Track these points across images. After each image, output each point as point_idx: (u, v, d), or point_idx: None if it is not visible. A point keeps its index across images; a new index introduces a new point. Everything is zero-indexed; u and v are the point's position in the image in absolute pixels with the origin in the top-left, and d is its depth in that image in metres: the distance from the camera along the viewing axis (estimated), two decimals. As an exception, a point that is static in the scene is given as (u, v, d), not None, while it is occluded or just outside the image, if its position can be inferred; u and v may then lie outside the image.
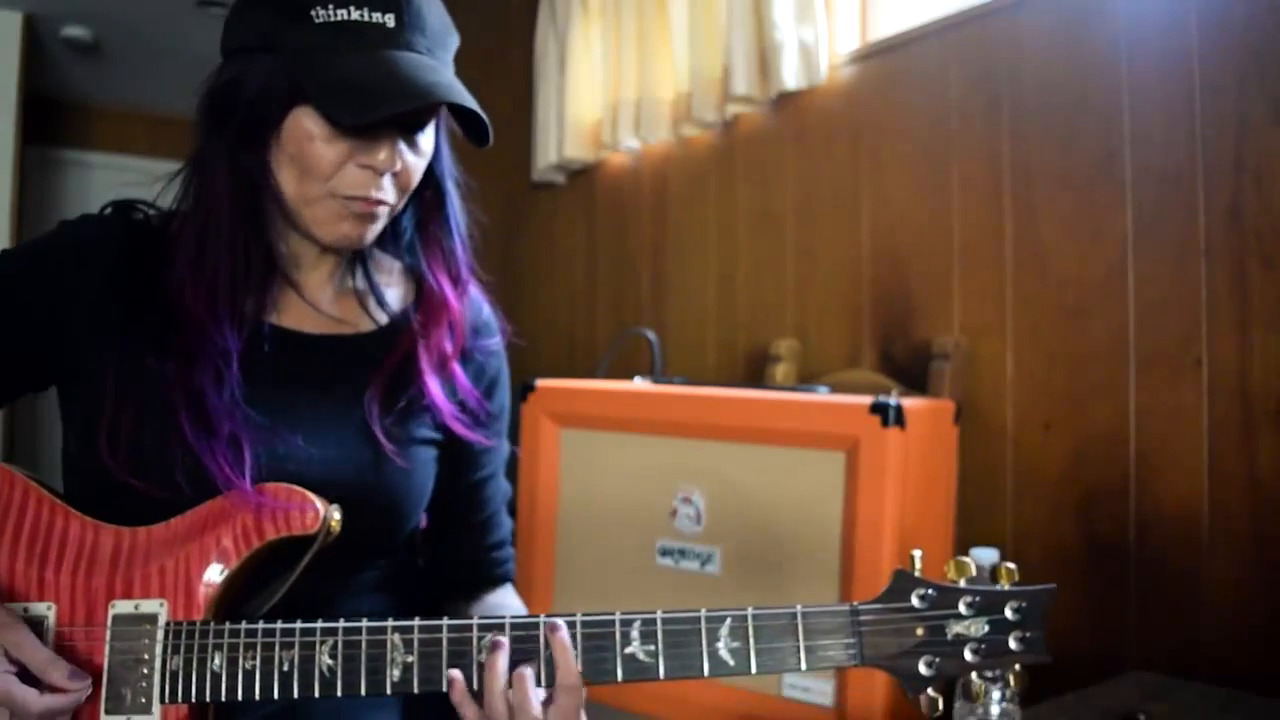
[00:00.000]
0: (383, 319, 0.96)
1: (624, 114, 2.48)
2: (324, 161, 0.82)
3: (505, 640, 0.74)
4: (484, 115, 0.83)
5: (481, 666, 0.74)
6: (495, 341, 1.03)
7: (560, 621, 0.74)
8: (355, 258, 0.98)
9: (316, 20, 0.79)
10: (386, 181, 0.85)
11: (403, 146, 0.85)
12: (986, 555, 1.33)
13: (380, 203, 0.85)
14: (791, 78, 2.03)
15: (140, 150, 4.59)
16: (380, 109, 0.78)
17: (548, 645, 0.74)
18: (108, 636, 0.76)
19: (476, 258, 1.01)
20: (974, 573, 0.75)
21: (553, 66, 2.74)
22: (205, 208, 0.86)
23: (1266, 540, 1.35)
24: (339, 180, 0.83)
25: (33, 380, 0.89)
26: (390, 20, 0.81)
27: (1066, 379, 1.62)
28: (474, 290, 1.03)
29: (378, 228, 0.88)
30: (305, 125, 0.82)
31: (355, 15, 0.80)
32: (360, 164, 0.83)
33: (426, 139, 0.88)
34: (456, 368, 0.97)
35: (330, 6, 0.79)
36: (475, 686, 0.74)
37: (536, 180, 2.89)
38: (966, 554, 1.35)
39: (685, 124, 2.34)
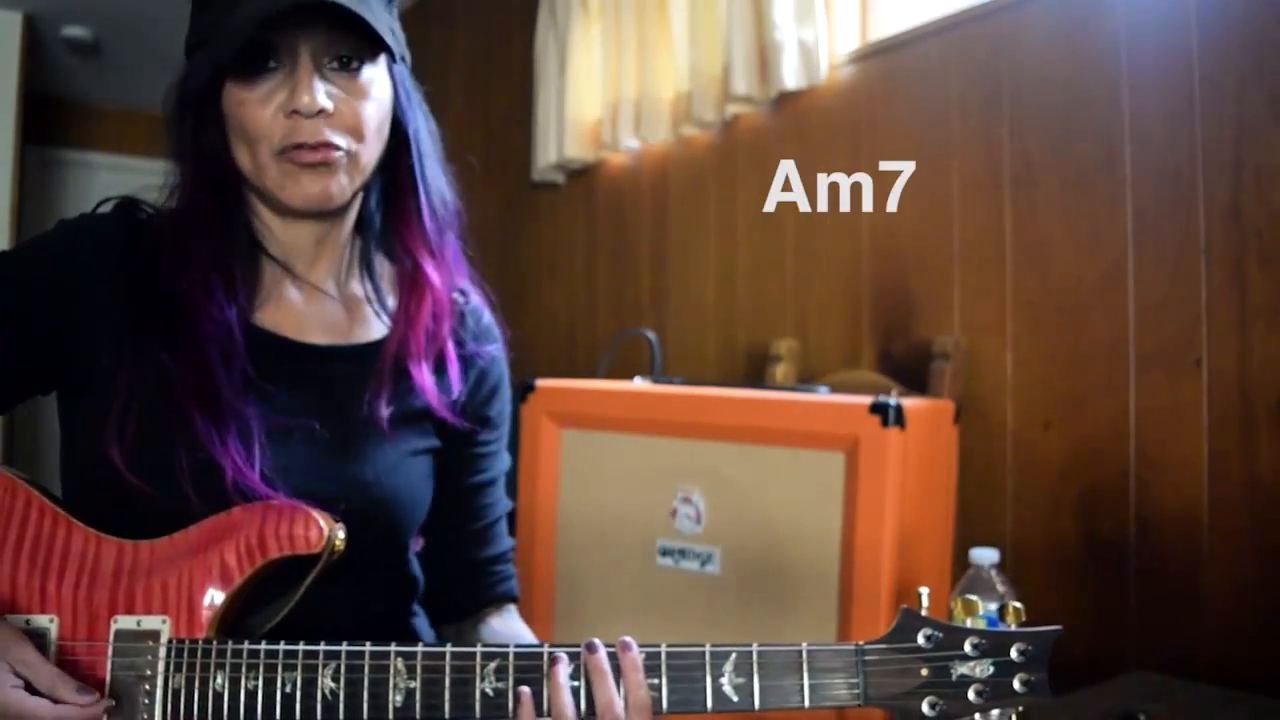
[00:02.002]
0: (387, 322, 0.95)
1: (624, 114, 2.47)
2: (256, 122, 0.83)
3: (564, 654, 0.74)
4: (365, 17, 0.81)
5: (484, 694, 0.73)
6: (497, 348, 1.02)
7: (598, 643, 0.74)
8: (359, 258, 0.96)
9: None
10: (323, 125, 0.83)
11: (335, 89, 0.84)
12: (986, 555, 1.33)
13: (326, 146, 0.83)
14: (791, 78, 2.03)
15: (140, 150, 4.59)
16: (246, 28, 0.78)
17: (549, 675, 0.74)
18: (110, 652, 0.76)
19: (469, 247, 1.01)
20: (981, 611, 0.75)
21: (553, 66, 2.74)
22: (183, 199, 0.88)
23: (1266, 540, 1.35)
24: (274, 135, 0.83)
25: (37, 384, 0.88)
26: None
27: (1066, 379, 1.61)
28: (476, 297, 1.02)
29: (342, 180, 0.86)
30: (233, 93, 0.83)
31: None
32: (286, 112, 0.83)
33: (374, 79, 0.86)
34: (450, 351, 0.96)
35: None
36: (478, 714, 0.73)
37: (536, 180, 2.89)
38: (966, 554, 1.36)
39: (685, 124, 2.34)
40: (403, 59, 0.92)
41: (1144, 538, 1.49)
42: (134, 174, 4.45)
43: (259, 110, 0.83)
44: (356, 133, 0.86)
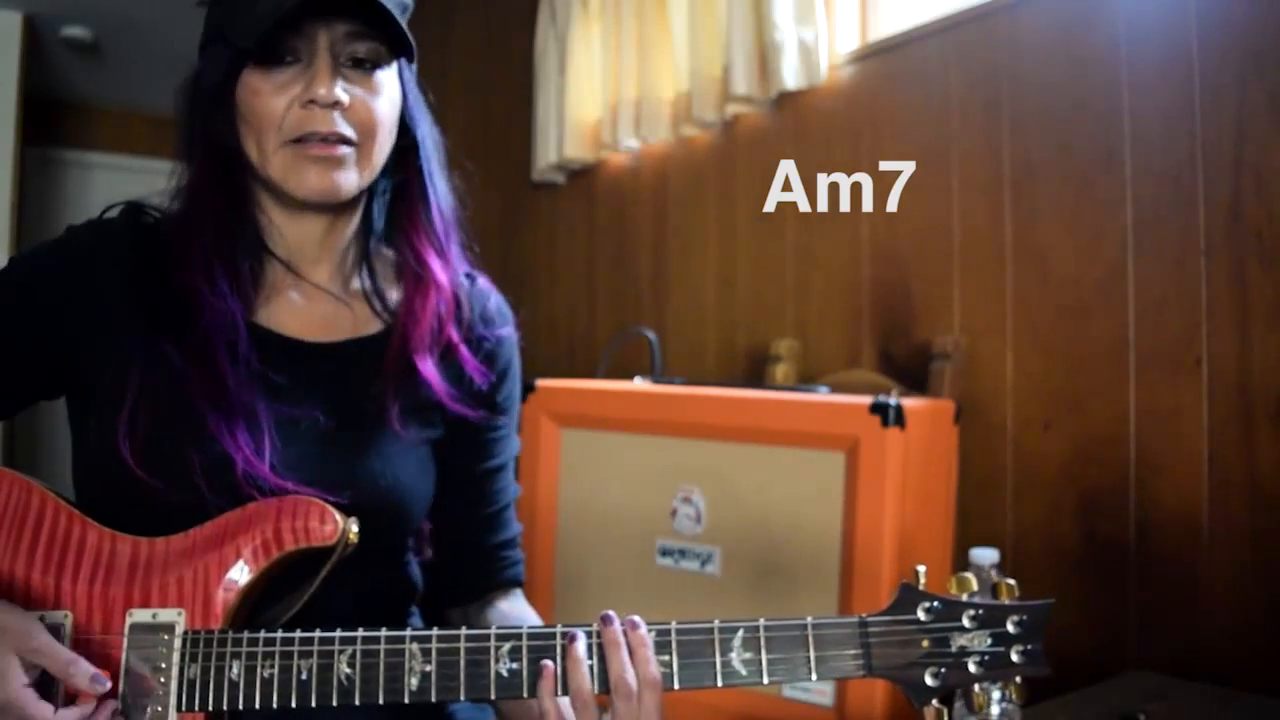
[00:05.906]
0: (388, 317, 0.96)
1: (624, 114, 2.47)
2: (270, 111, 0.84)
3: (580, 632, 0.75)
4: (388, 9, 0.84)
5: (499, 675, 0.75)
6: (507, 330, 1.03)
7: (622, 620, 0.75)
8: (359, 255, 0.97)
9: None
10: (337, 117, 0.85)
11: (351, 85, 0.86)
12: (986, 555, 1.33)
13: (336, 140, 0.85)
14: (791, 78, 2.03)
15: (140, 150, 4.58)
16: (267, 20, 0.80)
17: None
18: (125, 645, 0.76)
19: (470, 244, 1.01)
20: (975, 588, 0.77)
21: (553, 66, 2.73)
22: (190, 196, 0.89)
23: (1266, 540, 1.35)
24: (287, 125, 0.85)
25: (44, 390, 0.89)
26: None
27: (1066, 379, 1.61)
28: (483, 280, 1.03)
29: (350, 175, 0.87)
30: (249, 83, 0.85)
31: None
32: (302, 103, 0.84)
33: (387, 81, 0.89)
34: (460, 346, 0.96)
35: None
36: (493, 694, 0.74)
37: (536, 180, 2.89)
38: (966, 554, 1.36)
39: (685, 124, 2.33)
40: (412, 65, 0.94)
41: (1144, 538, 1.49)
42: (133, 174, 4.45)
43: (274, 100, 0.84)
44: (368, 128, 0.87)
